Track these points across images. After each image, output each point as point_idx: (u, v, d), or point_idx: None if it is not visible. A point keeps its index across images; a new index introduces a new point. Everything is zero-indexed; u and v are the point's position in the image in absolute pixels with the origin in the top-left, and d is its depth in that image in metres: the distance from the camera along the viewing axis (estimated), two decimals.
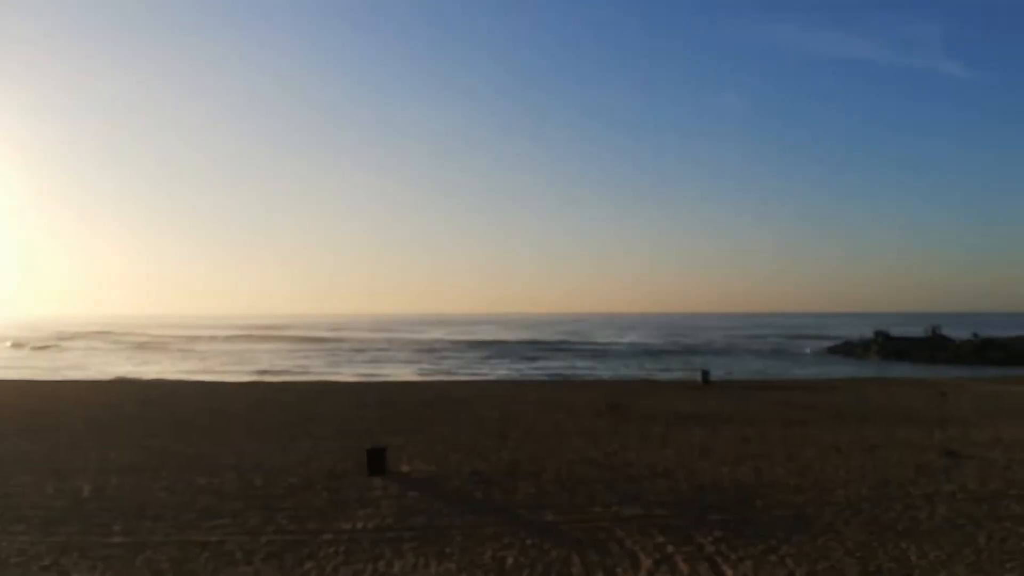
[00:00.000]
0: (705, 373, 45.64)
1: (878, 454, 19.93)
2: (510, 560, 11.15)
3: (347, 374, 60.65)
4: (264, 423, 26.37)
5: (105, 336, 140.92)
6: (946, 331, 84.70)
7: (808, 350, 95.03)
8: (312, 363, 75.33)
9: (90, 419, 27.49)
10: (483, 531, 12.67)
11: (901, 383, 44.93)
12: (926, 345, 77.77)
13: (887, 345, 79.60)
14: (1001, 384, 42.81)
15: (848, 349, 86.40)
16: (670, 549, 11.62)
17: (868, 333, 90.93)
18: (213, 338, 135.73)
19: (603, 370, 66.64)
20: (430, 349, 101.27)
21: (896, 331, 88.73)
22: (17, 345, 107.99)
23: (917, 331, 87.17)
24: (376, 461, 17.53)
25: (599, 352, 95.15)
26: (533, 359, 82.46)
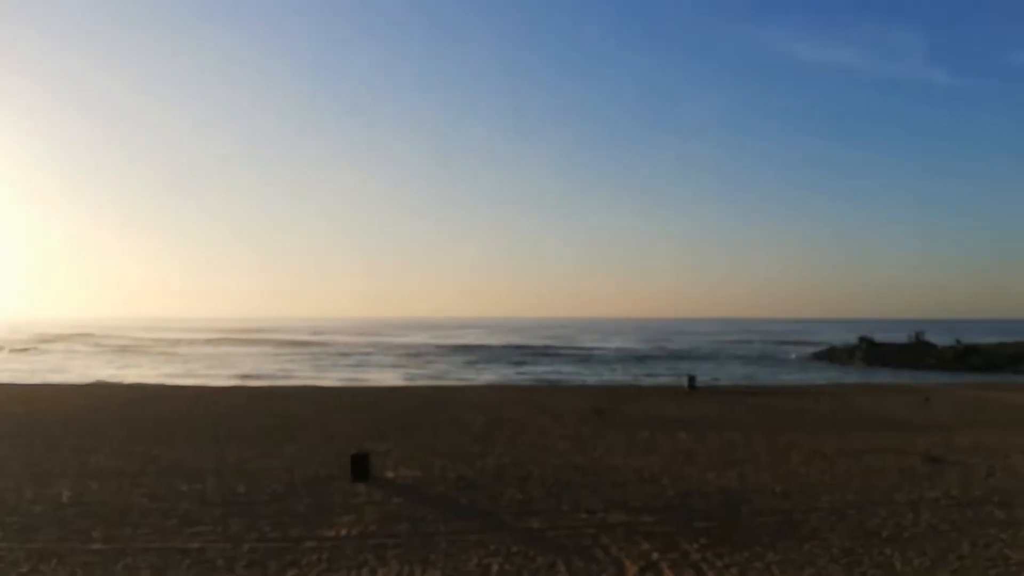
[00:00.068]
0: (691, 379, 45.73)
1: (862, 460, 20.02)
2: (495, 567, 11.08)
3: (331, 378, 60.25)
4: (247, 428, 26.13)
5: (85, 339, 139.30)
6: (929, 337, 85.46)
7: (793, 356, 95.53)
8: (295, 367, 74.86)
9: (69, 423, 27.14)
10: (468, 538, 12.59)
11: (885, 389, 45.23)
12: (909, 351, 78.42)
13: (871, 351, 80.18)
14: (983, 390, 43.19)
15: (833, 355, 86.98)
16: (655, 556, 11.59)
17: (852, 339, 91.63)
18: (194, 341, 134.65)
19: (589, 375, 66.65)
20: (415, 353, 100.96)
21: (880, 337, 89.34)
22: None
23: (901, 337, 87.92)
24: (360, 467, 17.39)
25: (584, 357, 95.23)
26: (518, 364, 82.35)
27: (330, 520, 13.69)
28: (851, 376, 63.67)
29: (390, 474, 18.03)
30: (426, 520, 13.74)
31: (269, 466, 18.91)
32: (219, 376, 61.98)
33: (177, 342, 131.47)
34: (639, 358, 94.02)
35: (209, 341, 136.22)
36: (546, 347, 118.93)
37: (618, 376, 65.50)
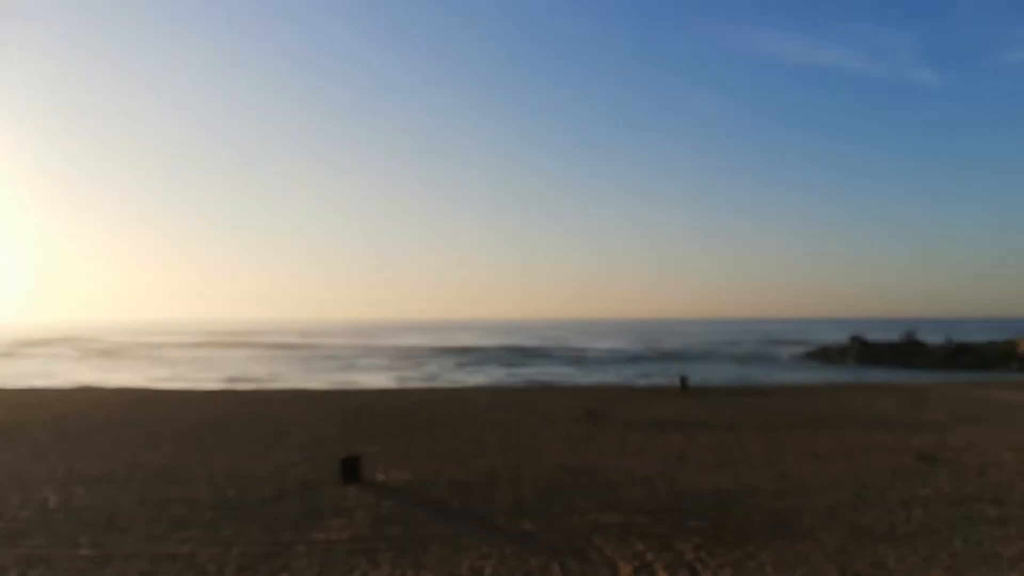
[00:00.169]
0: (683, 379, 45.75)
1: (855, 459, 20.04)
2: (488, 570, 11.01)
3: (320, 381, 59.99)
4: (236, 432, 25.95)
5: (68, 343, 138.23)
6: (921, 336, 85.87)
7: (785, 356, 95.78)
8: (284, 370, 74.52)
9: (55, 428, 26.89)
10: (461, 540, 12.51)
11: (877, 388, 45.36)
12: (901, 350, 78.78)
13: (863, 350, 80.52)
14: (974, 389, 43.37)
15: (825, 355, 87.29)
16: (649, 557, 11.54)
17: (844, 339, 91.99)
18: (180, 345, 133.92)
19: (581, 376, 66.63)
20: (405, 356, 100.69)
21: (871, 336, 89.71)
22: None
23: (892, 336, 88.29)
24: (351, 470, 17.28)
25: (576, 358, 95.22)
26: (510, 365, 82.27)
27: (321, 523, 13.58)
28: (843, 375, 63.86)
29: (381, 477, 17.92)
30: (418, 523, 13.65)
31: (259, 470, 18.77)
32: (206, 380, 61.61)
33: (162, 346, 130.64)
34: (631, 359, 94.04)
35: (195, 344, 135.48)
36: (537, 348, 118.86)
37: (610, 377, 65.48)
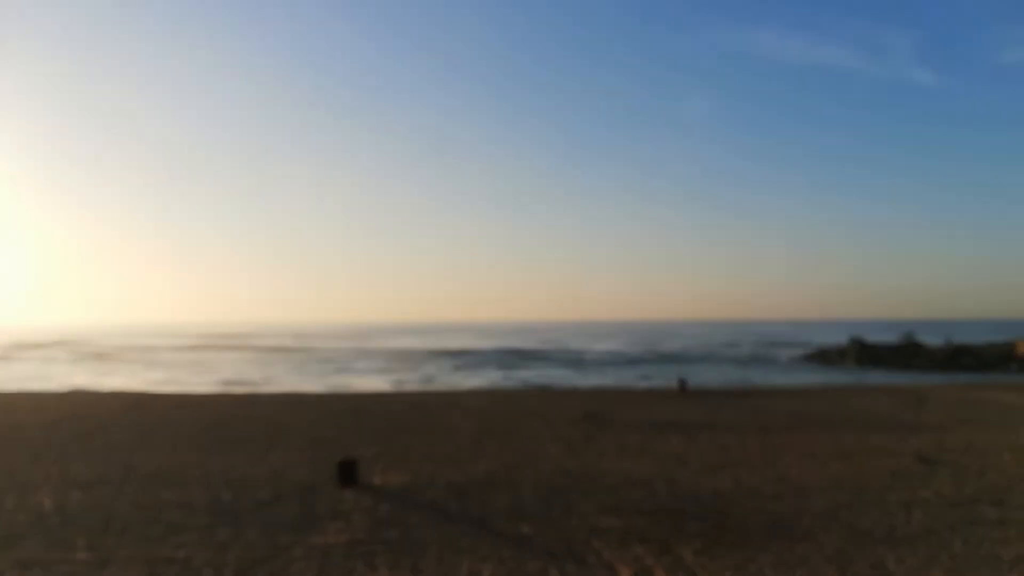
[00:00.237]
0: (682, 381, 45.71)
1: (854, 460, 19.99)
2: (486, 573, 10.94)
3: (316, 384, 59.85)
4: (231, 435, 25.86)
5: (62, 346, 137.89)
6: (920, 338, 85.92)
7: (784, 358, 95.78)
8: (279, 373, 74.35)
9: (50, 432, 26.78)
10: (459, 544, 12.44)
11: (876, 390, 45.31)
12: (900, 352, 78.80)
13: (862, 352, 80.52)
14: (973, 390, 43.34)
15: (823, 356, 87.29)
16: (649, 560, 11.47)
17: (843, 340, 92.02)
18: (173, 348, 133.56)
19: (579, 378, 66.55)
20: (401, 358, 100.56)
21: (871, 338, 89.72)
22: None
23: (891, 338, 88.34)
24: (348, 473, 17.20)
25: (574, 360, 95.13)
26: (507, 368, 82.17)
27: (318, 527, 13.51)
28: (842, 377, 63.83)
29: (378, 480, 17.84)
30: (415, 526, 13.58)
31: (255, 473, 18.69)
32: (201, 383, 61.48)
33: (156, 348, 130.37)
34: (629, 361, 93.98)
35: (189, 347, 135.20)
36: (535, 350, 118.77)
37: (608, 379, 65.41)
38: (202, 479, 17.97)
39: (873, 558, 11.47)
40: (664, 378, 61.40)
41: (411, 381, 64.32)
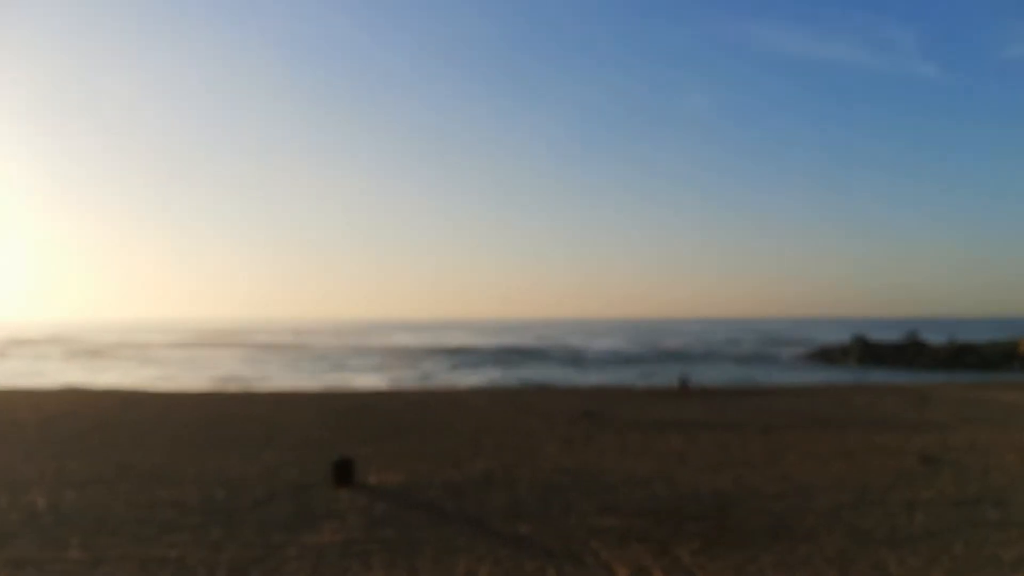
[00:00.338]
0: (682, 379, 45.59)
1: (857, 460, 19.86)
2: (483, 573, 10.81)
3: (312, 382, 59.75)
4: (226, 434, 25.75)
5: (57, 343, 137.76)
6: (923, 336, 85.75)
7: (786, 356, 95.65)
8: (275, 371, 74.29)
9: (43, 429, 26.69)
10: (455, 543, 12.31)
11: (879, 389, 45.19)
12: (903, 350, 78.65)
13: (865, 351, 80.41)
14: (976, 389, 43.20)
15: (826, 355, 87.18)
16: (647, 560, 11.34)
17: (846, 338, 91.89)
18: (168, 345, 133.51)
19: (579, 377, 66.44)
20: (399, 356, 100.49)
21: (874, 336, 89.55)
22: None
23: (895, 336, 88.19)
24: (343, 472, 17.07)
25: (574, 358, 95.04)
26: (506, 365, 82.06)
27: (313, 526, 13.38)
28: (845, 376, 63.70)
29: (374, 479, 17.71)
30: (412, 526, 13.45)
31: (250, 472, 18.57)
32: (195, 380, 61.41)
33: (151, 346, 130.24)
34: (629, 359, 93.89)
35: (184, 344, 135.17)
36: (534, 348, 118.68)
37: (608, 377, 65.29)
38: (197, 478, 17.85)
39: (875, 559, 11.34)
40: (664, 376, 61.30)
41: (408, 379, 64.21)
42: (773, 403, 35.54)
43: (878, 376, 62.27)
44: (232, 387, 53.33)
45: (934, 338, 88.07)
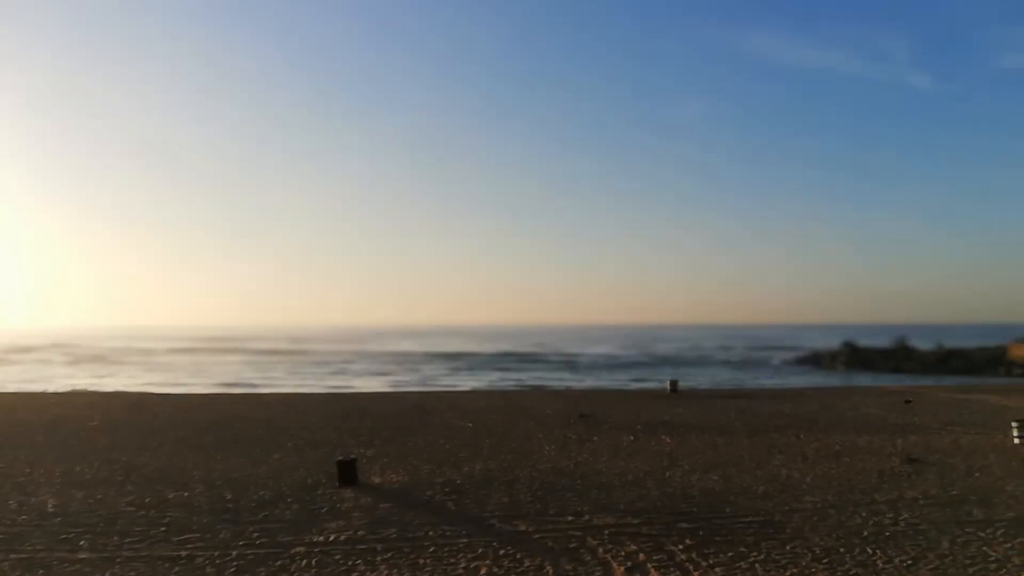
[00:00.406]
0: (674, 383, 46.02)
1: (843, 461, 20.30)
2: (483, 570, 11.18)
3: (315, 386, 60.02)
4: (232, 436, 26.06)
5: (58, 349, 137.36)
6: (913, 342, 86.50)
7: (776, 361, 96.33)
8: (278, 375, 74.57)
9: (52, 433, 26.93)
10: (456, 542, 12.68)
11: (865, 392, 45.73)
12: (891, 355, 79.44)
13: (853, 356, 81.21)
14: (962, 392, 43.75)
15: (816, 360, 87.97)
16: (642, 557, 11.74)
17: (835, 344, 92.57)
18: (170, 350, 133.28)
19: (573, 380, 66.85)
20: (399, 360, 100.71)
21: (862, 342, 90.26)
22: None
23: (883, 342, 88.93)
24: (347, 473, 17.44)
25: (569, 363, 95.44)
26: (504, 370, 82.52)
27: (318, 526, 13.73)
28: (833, 380, 64.33)
29: (377, 480, 18.08)
30: (414, 525, 13.81)
31: (256, 473, 18.90)
32: (201, 384, 61.56)
33: (154, 351, 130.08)
34: (623, 363, 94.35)
35: (187, 350, 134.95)
36: (530, 353, 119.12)
37: (602, 381, 65.74)
38: (204, 479, 18.18)
39: (862, 557, 11.73)
40: (657, 380, 61.74)
41: (409, 382, 64.55)
42: (761, 406, 35.99)
43: (865, 380, 62.91)
44: (236, 390, 53.46)
45: (923, 344, 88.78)
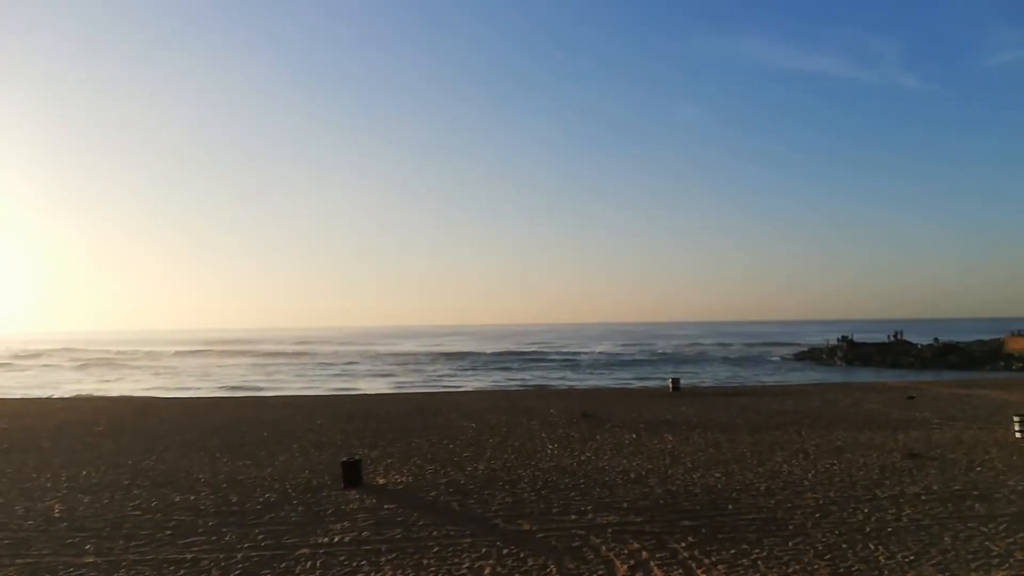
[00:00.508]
0: (675, 381, 46.08)
1: (844, 457, 20.36)
2: (487, 570, 11.25)
3: (319, 388, 60.10)
4: (237, 438, 26.14)
5: (67, 353, 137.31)
6: (908, 337, 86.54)
7: (775, 357, 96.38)
8: (282, 377, 74.56)
9: (57, 437, 27.02)
10: (460, 542, 12.75)
11: (865, 388, 45.80)
12: (889, 350, 79.41)
13: (852, 351, 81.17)
14: (961, 387, 43.82)
15: (814, 356, 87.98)
16: (645, 555, 11.80)
17: (833, 340, 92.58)
18: (175, 354, 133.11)
19: (575, 380, 66.93)
20: (401, 362, 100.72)
21: (860, 337, 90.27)
22: None
23: (881, 337, 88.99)
24: (351, 474, 17.51)
25: (571, 362, 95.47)
26: (506, 370, 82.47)
27: (323, 527, 13.80)
28: (832, 376, 64.41)
29: (381, 480, 18.15)
30: (418, 525, 13.88)
31: (261, 475, 18.98)
32: (206, 388, 61.63)
33: (160, 355, 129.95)
34: (624, 362, 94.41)
35: (193, 353, 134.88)
36: (532, 353, 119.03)
37: (604, 380, 65.81)
38: (209, 482, 18.26)
39: (864, 553, 11.78)
40: (658, 378, 61.79)
41: (412, 383, 64.59)
42: (762, 403, 36.07)
43: (864, 375, 62.98)
44: (241, 394, 53.53)
45: (921, 339, 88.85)
